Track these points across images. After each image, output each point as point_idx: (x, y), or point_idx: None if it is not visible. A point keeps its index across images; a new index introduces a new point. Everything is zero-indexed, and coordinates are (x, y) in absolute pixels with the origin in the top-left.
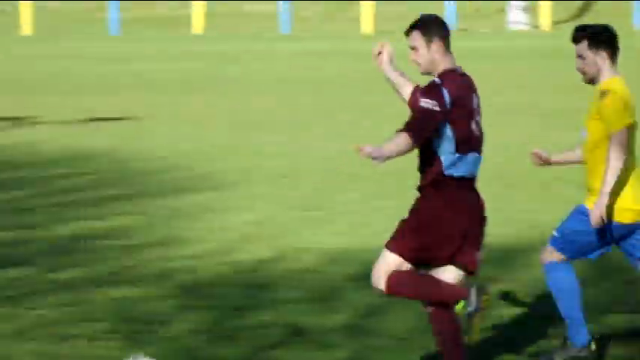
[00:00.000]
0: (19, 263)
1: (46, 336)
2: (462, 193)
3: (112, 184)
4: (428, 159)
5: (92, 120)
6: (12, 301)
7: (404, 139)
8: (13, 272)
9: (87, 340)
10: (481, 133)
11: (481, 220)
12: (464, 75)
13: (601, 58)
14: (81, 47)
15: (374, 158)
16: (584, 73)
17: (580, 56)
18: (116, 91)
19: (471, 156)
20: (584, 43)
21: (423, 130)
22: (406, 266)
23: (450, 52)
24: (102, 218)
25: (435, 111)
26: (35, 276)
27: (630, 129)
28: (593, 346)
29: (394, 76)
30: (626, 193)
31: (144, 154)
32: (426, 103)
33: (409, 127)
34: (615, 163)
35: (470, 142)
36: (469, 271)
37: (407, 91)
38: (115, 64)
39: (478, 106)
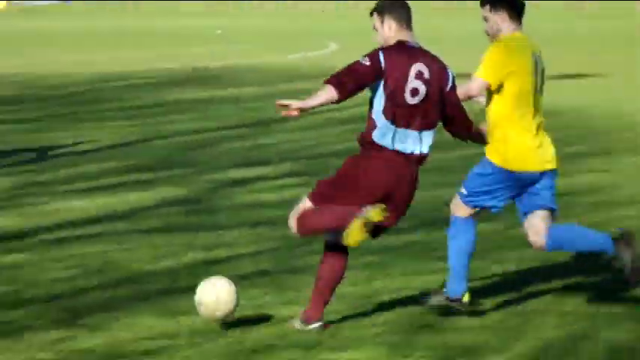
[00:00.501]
0: (485, 219)
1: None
2: (389, 160)
3: (577, 142)
4: (368, 119)
5: (558, 77)
6: (479, 256)
7: (327, 91)
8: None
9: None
10: (426, 111)
11: (408, 191)
12: (415, 48)
13: (500, 18)
14: None
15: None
16: (487, 34)
17: (484, 19)
18: (576, 47)
19: (410, 132)
20: (487, 7)
21: (346, 82)
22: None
23: (409, 30)
24: (568, 174)
25: (363, 64)
26: (501, 231)
27: (511, 83)
28: (466, 298)
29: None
30: (528, 143)
31: (610, 111)
32: (360, 58)
33: (333, 77)
34: (463, 87)
35: (404, 115)
36: (382, 226)
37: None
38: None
39: (425, 81)
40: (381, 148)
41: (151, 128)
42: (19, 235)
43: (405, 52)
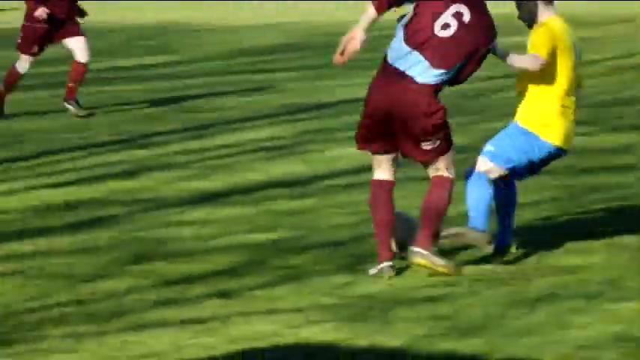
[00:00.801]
0: None
1: None
2: (384, 76)
3: None
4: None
5: None
6: None
7: (368, 9)
8: None
9: None
10: (449, 50)
11: (410, 113)
12: None
13: (534, 4)
14: None
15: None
16: (522, 20)
17: (517, 6)
18: None
19: (421, 59)
20: None
21: None
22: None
23: None
24: None
25: None
26: None
27: (559, 63)
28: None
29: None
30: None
31: None
32: None
33: None
34: (524, 60)
35: (424, 42)
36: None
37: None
38: None
39: (462, 23)
40: (385, 62)
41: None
42: (303, 182)
43: None
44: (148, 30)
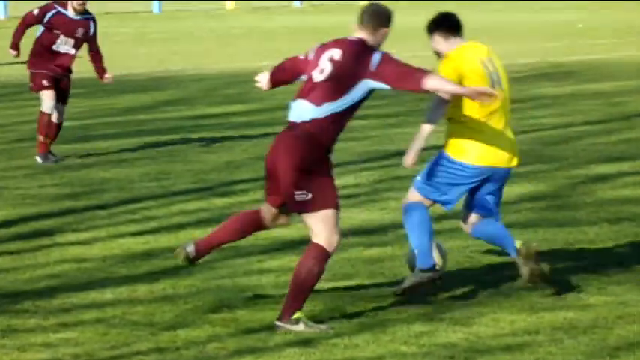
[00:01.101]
0: None
1: None
2: (282, 132)
3: None
4: None
5: None
6: None
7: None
8: None
9: None
10: (328, 86)
11: (282, 160)
12: (343, 39)
13: (435, 42)
14: None
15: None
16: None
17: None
18: None
19: (302, 101)
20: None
21: (276, 70)
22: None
23: (360, 29)
24: None
25: (296, 56)
26: None
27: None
28: (438, 267)
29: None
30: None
31: None
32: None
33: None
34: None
35: (303, 89)
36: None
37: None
38: None
39: (334, 62)
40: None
41: (511, 123)
42: (381, 230)
43: (332, 43)
44: (226, 79)
